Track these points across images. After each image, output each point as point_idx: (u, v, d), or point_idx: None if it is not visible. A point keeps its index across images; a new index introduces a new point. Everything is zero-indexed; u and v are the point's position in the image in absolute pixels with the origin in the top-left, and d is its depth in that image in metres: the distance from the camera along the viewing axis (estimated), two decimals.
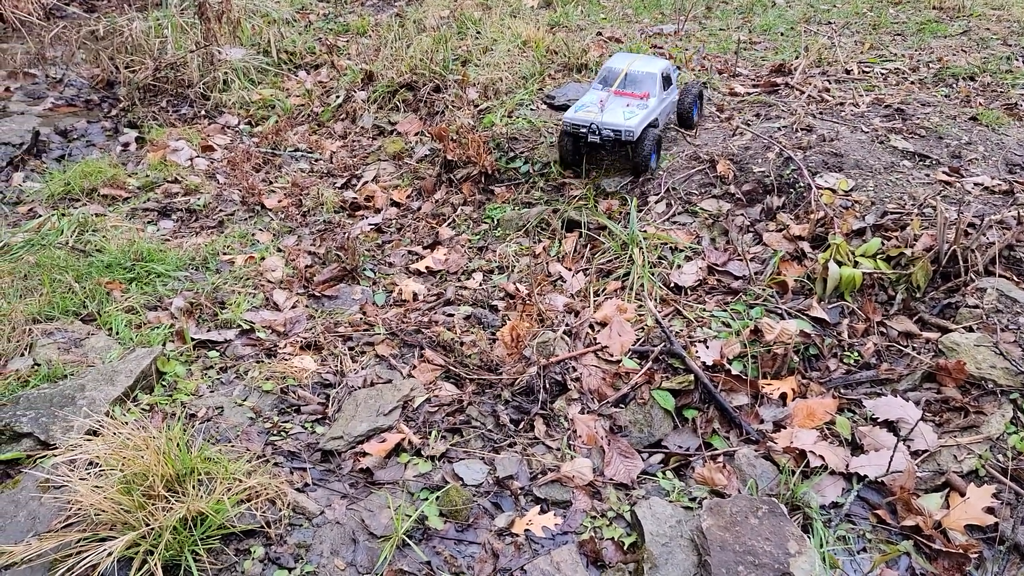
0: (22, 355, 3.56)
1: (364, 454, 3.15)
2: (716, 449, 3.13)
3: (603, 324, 3.68)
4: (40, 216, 4.92)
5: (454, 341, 3.67)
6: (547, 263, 4.14)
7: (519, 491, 3.00)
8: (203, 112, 7.06)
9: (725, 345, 3.41)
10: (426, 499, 2.94)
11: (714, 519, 2.69)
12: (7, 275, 4.12)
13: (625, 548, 2.73)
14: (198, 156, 6.03)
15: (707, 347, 3.42)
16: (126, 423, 2.84)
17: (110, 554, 2.48)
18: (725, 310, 3.65)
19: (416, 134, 5.71)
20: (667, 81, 4.67)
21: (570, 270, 4.10)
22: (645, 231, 4.06)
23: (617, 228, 4.14)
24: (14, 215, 5.14)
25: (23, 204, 5.36)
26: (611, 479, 3.05)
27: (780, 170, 4.19)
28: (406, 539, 2.74)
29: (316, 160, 5.85)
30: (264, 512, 2.78)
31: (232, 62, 7.33)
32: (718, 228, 4.07)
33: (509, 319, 3.81)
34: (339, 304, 4.21)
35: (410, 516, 2.81)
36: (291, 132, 6.26)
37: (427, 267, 4.33)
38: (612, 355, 3.51)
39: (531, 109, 5.23)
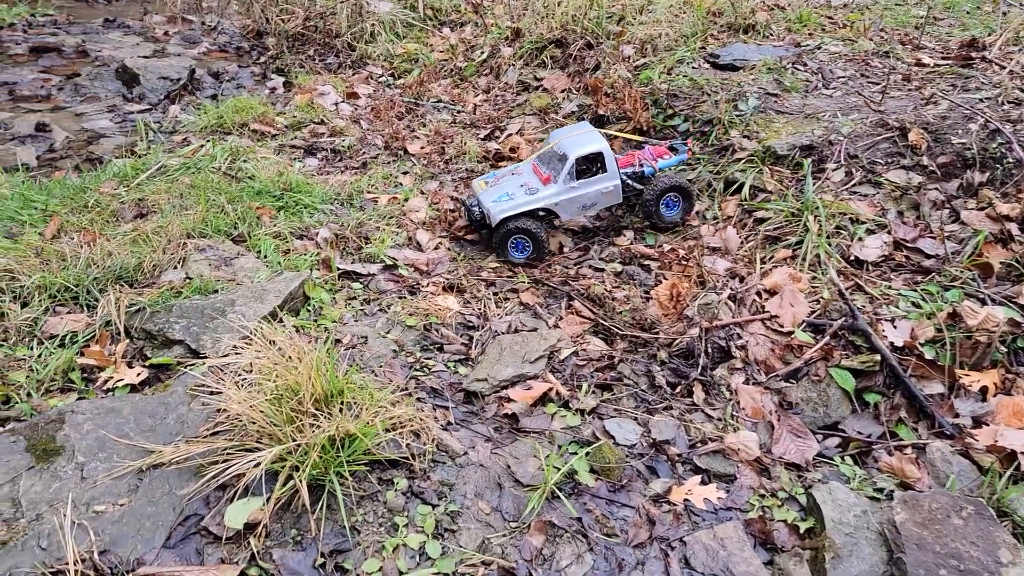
0: (175, 268, 3.58)
1: (509, 400, 2.97)
2: (903, 440, 2.77)
3: (772, 292, 3.35)
4: (193, 144, 5.00)
5: (605, 296, 3.44)
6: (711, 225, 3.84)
7: (676, 457, 2.74)
8: (348, 62, 7.10)
9: (917, 327, 3.02)
10: (575, 453, 2.73)
11: (909, 514, 2.35)
12: (164, 192, 4.18)
13: (801, 532, 2.43)
14: (343, 102, 6.03)
15: (895, 327, 3.05)
16: (274, 340, 2.75)
17: (258, 465, 2.39)
18: (915, 290, 3.25)
19: (563, 90, 5.49)
20: (591, 166, 3.96)
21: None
22: (821, 199, 3.69)
23: (788, 193, 3.78)
24: (170, 142, 5.27)
25: (178, 133, 5.50)
26: (781, 457, 2.74)
27: (984, 143, 3.71)
28: (556, 491, 2.54)
29: (458, 112, 5.73)
30: (408, 444, 2.63)
31: (379, 15, 7.33)
32: (907, 201, 3.65)
33: (664, 278, 3.53)
34: (480, 249, 4.06)
35: (559, 469, 2.60)
36: (434, 84, 6.17)
37: (579, 226, 4.10)
38: (782, 326, 3.18)
39: (692, 67, 4.91)
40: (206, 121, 5.45)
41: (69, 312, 3.29)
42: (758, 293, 3.36)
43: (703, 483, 2.64)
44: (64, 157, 5.23)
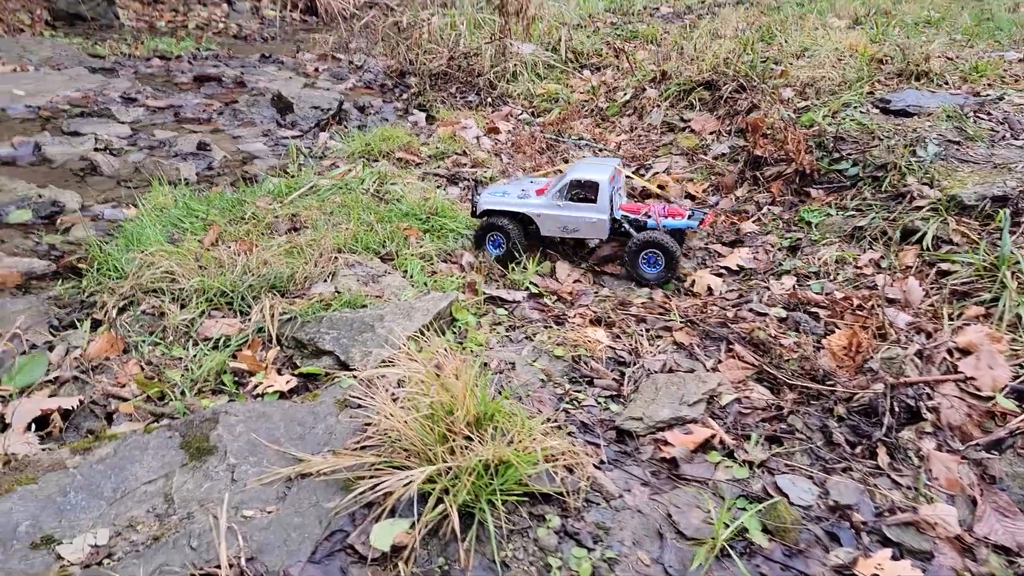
0: (325, 281, 3.58)
1: (666, 443, 2.74)
2: None
3: (964, 352, 2.98)
4: (342, 168, 5.11)
5: (770, 341, 3.17)
6: (886, 275, 3.51)
7: (861, 525, 2.42)
8: (489, 100, 7.18)
9: None
10: (744, 509, 2.46)
11: None
12: (315, 209, 4.25)
13: None
14: (484, 136, 6.06)
15: None
16: (430, 354, 2.65)
17: (408, 484, 2.26)
18: None
19: (712, 132, 5.30)
20: (584, 192, 3.90)
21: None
22: (1022, 253, 3.30)
23: (980, 246, 3.42)
24: (319, 166, 5.41)
25: (327, 158, 5.66)
26: (986, 538, 2.37)
27: None
28: (728, 548, 2.27)
29: (600, 150, 5.63)
30: (563, 478, 2.44)
31: (522, 56, 7.41)
32: None
33: (836, 328, 3.23)
34: (620, 283, 3.88)
35: (727, 525, 2.34)
36: (575, 122, 6.11)
37: (736, 265, 3.86)
38: (980, 389, 2.81)
39: (860, 111, 4.61)
40: (354, 148, 5.58)
41: (224, 316, 3.33)
42: (949, 351, 3.01)
43: (894, 558, 2.31)
44: (221, 175, 5.46)
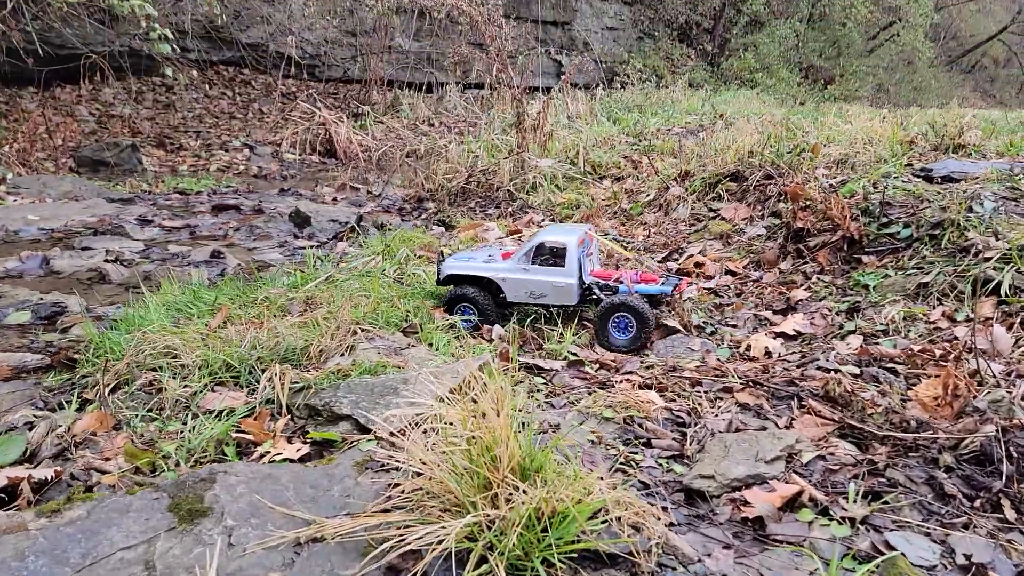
0: (342, 355, 3.26)
1: (746, 503, 2.30)
2: None
3: None
4: (364, 259, 4.92)
5: (849, 396, 2.77)
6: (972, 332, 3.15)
7: None
8: (509, 210, 7.12)
9: None
10: (851, 569, 1.99)
11: None
12: (330, 291, 3.99)
13: None
14: (506, 238, 5.91)
15: None
16: (468, 390, 2.29)
17: (441, 541, 1.85)
18: None
19: (744, 219, 5.11)
20: (551, 257, 3.81)
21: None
22: None
23: None
24: (337, 262, 5.22)
25: (344, 262, 5.48)
26: None
27: None
28: None
29: (628, 243, 5.44)
30: (628, 537, 2.00)
31: (541, 169, 7.43)
32: None
33: (920, 380, 2.85)
34: (665, 352, 3.54)
35: None
36: (599, 220, 5.97)
37: (793, 330, 3.53)
38: None
39: (902, 181, 4.43)
40: (374, 247, 5.42)
41: (229, 391, 2.99)
42: None
43: None
44: (234, 280, 5.26)
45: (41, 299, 4.50)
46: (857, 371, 3.04)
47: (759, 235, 4.73)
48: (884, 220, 4.03)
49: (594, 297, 3.81)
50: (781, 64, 22.16)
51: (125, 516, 1.97)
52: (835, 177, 4.73)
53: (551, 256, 3.80)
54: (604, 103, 12.91)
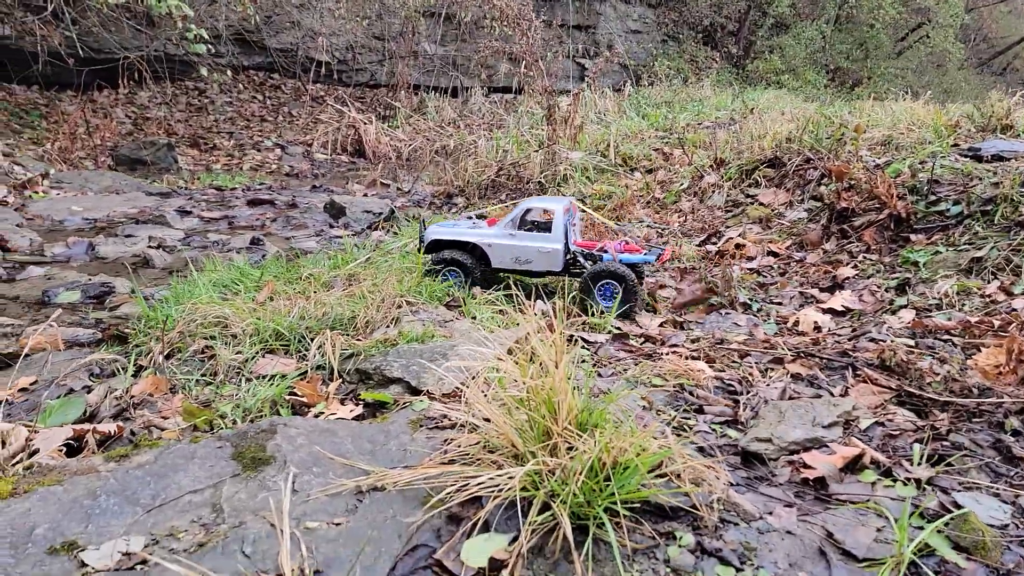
0: (388, 326, 3.28)
1: (804, 465, 2.27)
2: None
3: None
4: (400, 243, 4.95)
5: (905, 364, 2.73)
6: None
7: None
8: None
9: None
10: (920, 527, 1.95)
11: None
12: (372, 270, 4.02)
13: None
14: None
15: None
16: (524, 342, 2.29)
17: (503, 489, 1.85)
18: None
19: (783, 203, 5.07)
20: (538, 221, 4.01)
21: None
22: None
23: None
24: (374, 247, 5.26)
25: (381, 248, 5.51)
26: None
27: None
28: (919, 564, 1.77)
29: (662, 231, 5.42)
30: (688, 492, 1.99)
31: (572, 161, 7.43)
32: None
33: (979, 349, 2.80)
34: (709, 328, 3.52)
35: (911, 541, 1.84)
36: (634, 208, 5.96)
37: (841, 306, 3.49)
38: None
39: (949, 160, 4.37)
40: (408, 239, 5.44)
41: (279, 358, 3.02)
42: None
43: None
44: None
45: (89, 280, 4.58)
46: (912, 342, 3.00)
47: (800, 218, 4.68)
48: (932, 198, 3.97)
49: (579, 265, 3.84)
50: (807, 66, 21.98)
51: (191, 462, 2.00)
52: (879, 157, 4.68)
53: (537, 223, 3.86)
54: (632, 100, 12.89)
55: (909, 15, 24.19)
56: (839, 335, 3.22)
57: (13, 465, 2.00)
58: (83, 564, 1.62)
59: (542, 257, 3.80)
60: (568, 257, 3.86)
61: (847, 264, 3.92)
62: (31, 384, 2.93)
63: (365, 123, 13.53)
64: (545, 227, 3.89)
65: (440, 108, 16.15)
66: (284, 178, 11.53)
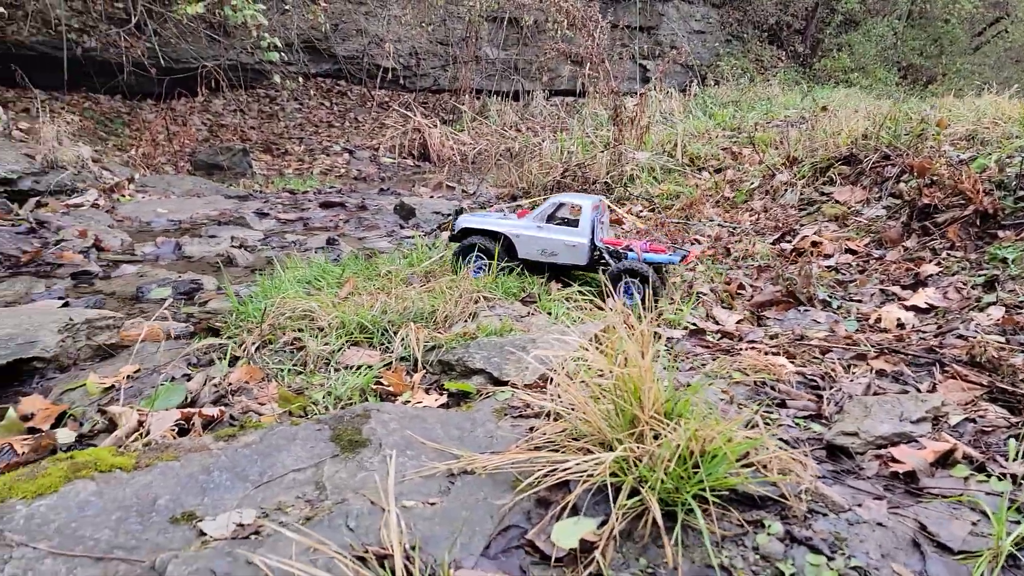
0: (465, 321, 3.36)
1: (893, 459, 2.25)
2: None
3: None
4: None
5: (998, 360, 2.67)
6: None
7: None
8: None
9: None
10: (1017, 521, 1.92)
11: None
12: (447, 266, 4.12)
13: None
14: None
15: None
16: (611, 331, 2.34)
17: (591, 475, 1.90)
18: None
19: (859, 201, 4.97)
20: (566, 215, 4.16)
21: None
22: None
23: None
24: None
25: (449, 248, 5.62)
26: None
27: None
28: (1018, 557, 1.74)
29: (735, 228, 5.37)
30: (776, 482, 2.00)
31: (639, 161, 7.42)
32: None
33: None
34: (788, 325, 3.48)
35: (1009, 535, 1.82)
36: (704, 207, 5.92)
37: (925, 303, 3.42)
38: None
39: None
40: None
41: (364, 350, 3.13)
42: None
43: None
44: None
45: (179, 277, 4.81)
46: (1002, 339, 2.92)
47: (878, 215, 4.59)
48: (1021, 193, 3.85)
49: (603, 262, 3.89)
50: (878, 63, 21.32)
51: (293, 443, 2.11)
52: (963, 153, 4.55)
53: (566, 215, 3.98)
54: (698, 99, 12.77)
55: (987, 9, 23.25)
56: (924, 332, 3.16)
57: (133, 442, 2.14)
58: (202, 533, 1.73)
59: (568, 251, 3.88)
60: (595, 254, 3.92)
61: (930, 261, 3.83)
62: (135, 372, 3.11)
63: (430, 127, 13.76)
64: (573, 222, 3.96)
65: (501, 111, 16.29)
66: (352, 181, 11.81)
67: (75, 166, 8.02)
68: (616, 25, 18.80)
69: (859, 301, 3.66)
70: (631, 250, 3.87)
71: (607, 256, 3.89)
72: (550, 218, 3.98)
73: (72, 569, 1.58)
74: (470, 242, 4.05)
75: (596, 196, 4.05)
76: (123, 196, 8.05)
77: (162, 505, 1.80)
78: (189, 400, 2.78)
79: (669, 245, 4.24)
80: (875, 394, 2.67)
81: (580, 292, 3.73)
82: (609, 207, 4.50)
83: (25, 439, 2.51)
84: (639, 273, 3.67)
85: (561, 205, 4.01)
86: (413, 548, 1.74)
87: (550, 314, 3.47)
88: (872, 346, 3.02)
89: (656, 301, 3.63)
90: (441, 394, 2.70)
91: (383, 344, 3.15)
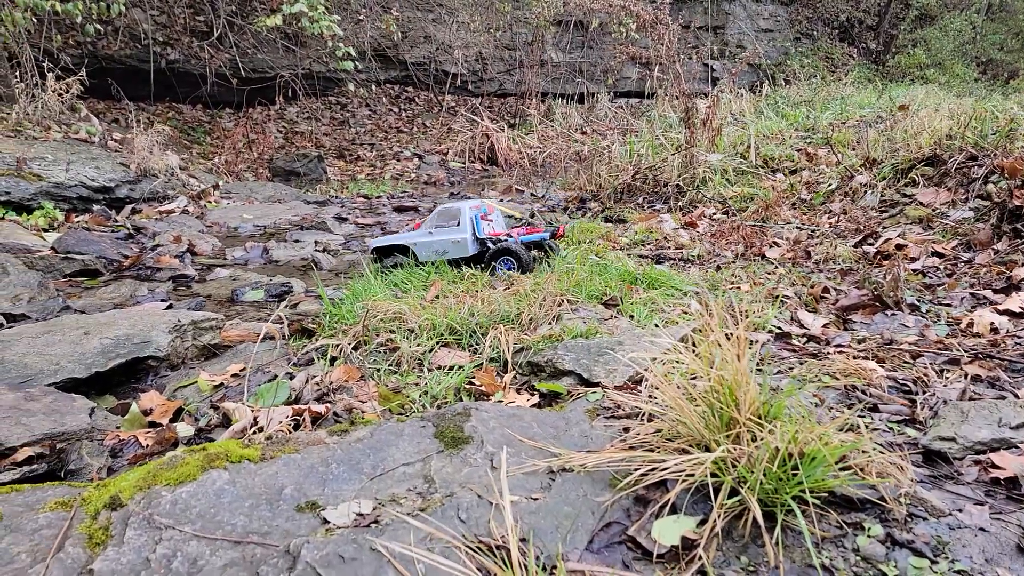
0: (550, 323, 3.44)
1: (994, 464, 2.23)
2: None
3: None
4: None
5: None
6: None
7: None
8: (679, 205, 7.12)
9: None
10: None
11: None
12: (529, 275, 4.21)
13: None
14: (681, 228, 5.94)
15: None
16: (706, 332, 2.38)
17: (690, 474, 1.95)
18: None
19: (944, 203, 4.86)
20: (448, 219, 4.83)
21: None
22: None
23: None
24: None
25: None
26: None
27: None
28: None
29: (814, 231, 5.31)
30: (875, 485, 2.02)
31: (711, 163, 7.38)
32: None
33: None
34: (875, 329, 3.45)
35: None
36: (780, 209, 5.87)
37: (1020, 307, 3.35)
38: None
39: None
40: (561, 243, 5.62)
41: (453, 351, 3.25)
42: None
43: None
44: None
45: (270, 280, 5.04)
46: None
47: (966, 217, 4.49)
48: None
49: (489, 248, 4.72)
50: (955, 59, 20.54)
51: (400, 438, 2.23)
52: None
53: (448, 219, 4.78)
54: (769, 100, 12.58)
55: None
56: (1020, 337, 3.10)
57: (254, 435, 2.29)
58: (325, 521, 1.86)
59: (455, 246, 4.73)
60: (479, 244, 4.71)
61: (1022, 265, 3.74)
62: (240, 371, 3.30)
63: (497, 131, 13.92)
64: (455, 221, 4.77)
65: (567, 115, 16.35)
66: (422, 186, 12.06)
67: (165, 174, 8.44)
68: (687, 27, 18.66)
69: (948, 305, 3.60)
70: (511, 236, 4.73)
71: (491, 245, 4.71)
72: (438, 225, 4.80)
73: (215, 551, 1.72)
74: (392, 254, 4.99)
75: (480, 199, 4.86)
76: (210, 202, 8.43)
77: (288, 494, 1.94)
78: (293, 398, 2.94)
79: (545, 225, 5.51)
80: (971, 399, 2.64)
81: (662, 296, 3.77)
82: (498, 207, 5.40)
83: (148, 432, 2.71)
84: (512, 251, 4.49)
85: (442, 212, 4.82)
86: (523, 540, 1.84)
87: (631, 317, 3.53)
88: (966, 351, 2.98)
89: (528, 271, 4.44)
90: (532, 394, 2.79)
91: (472, 345, 3.26)
